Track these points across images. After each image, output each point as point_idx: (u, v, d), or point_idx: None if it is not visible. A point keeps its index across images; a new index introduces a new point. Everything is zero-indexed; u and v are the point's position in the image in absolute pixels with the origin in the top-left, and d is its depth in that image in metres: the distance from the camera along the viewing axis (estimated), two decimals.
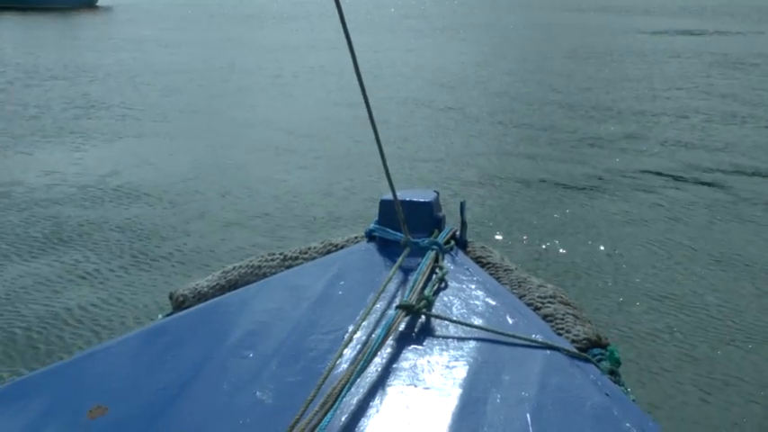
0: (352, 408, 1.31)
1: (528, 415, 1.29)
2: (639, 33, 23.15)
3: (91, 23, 28.42)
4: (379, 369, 1.41)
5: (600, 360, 1.54)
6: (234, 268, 1.97)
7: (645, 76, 14.30)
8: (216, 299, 1.79)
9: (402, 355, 1.46)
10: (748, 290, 4.98)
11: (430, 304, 1.58)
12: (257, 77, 14.01)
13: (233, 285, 1.89)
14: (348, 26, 1.52)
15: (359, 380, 1.34)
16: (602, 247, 5.68)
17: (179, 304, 1.89)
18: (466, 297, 1.66)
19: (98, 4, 40.54)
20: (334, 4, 1.51)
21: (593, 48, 19.42)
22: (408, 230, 1.83)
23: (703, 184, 7.45)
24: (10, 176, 7.34)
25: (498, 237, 5.85)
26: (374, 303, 1.57)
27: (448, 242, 1.92)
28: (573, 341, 1.58)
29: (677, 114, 10.88)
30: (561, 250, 5.63)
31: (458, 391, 1.36)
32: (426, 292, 1.60)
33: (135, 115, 10.42)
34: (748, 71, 15.01)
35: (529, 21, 28.81)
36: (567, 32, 24.43)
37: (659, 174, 7.77)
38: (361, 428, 1.27)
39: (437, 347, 1.49)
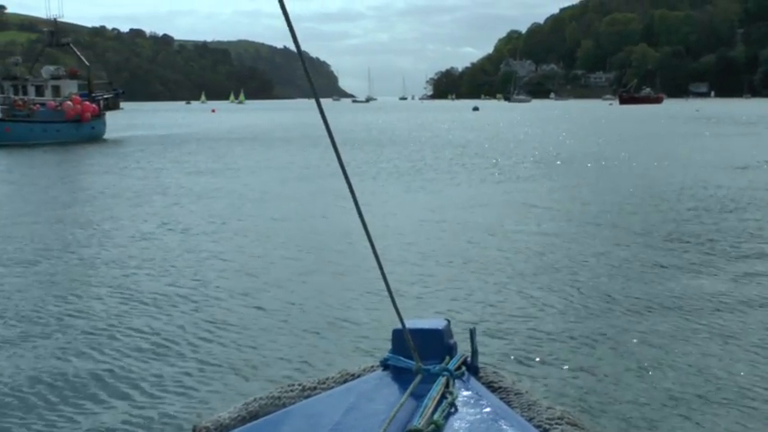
0: None
1: None
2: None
3: (106, 161, 28.21)
4: None
5: None
6: (255, 399, 2.04)
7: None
8: (237, 429, 1.86)
9: None
10: None
11: (438, 429, 1.64)
12: (269, 215, 14.40)
13: (254, 416, 1.95)
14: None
15: None
16: (613, 371, 5.70)
17: None
18: (474, 421, 1.72)
19: (105, 137, 41.08)
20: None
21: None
22: (420, 358, 1.91)
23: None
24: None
25: (510, 363, 5.91)
26: (384, 430, 1.63)
27: (459, 368, 1.99)
28: None
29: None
30: (573, 374, 5.66)
31: None
32: (435, 417, 1.67)
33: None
34: None
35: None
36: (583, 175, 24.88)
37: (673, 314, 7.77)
38: None
39: None
